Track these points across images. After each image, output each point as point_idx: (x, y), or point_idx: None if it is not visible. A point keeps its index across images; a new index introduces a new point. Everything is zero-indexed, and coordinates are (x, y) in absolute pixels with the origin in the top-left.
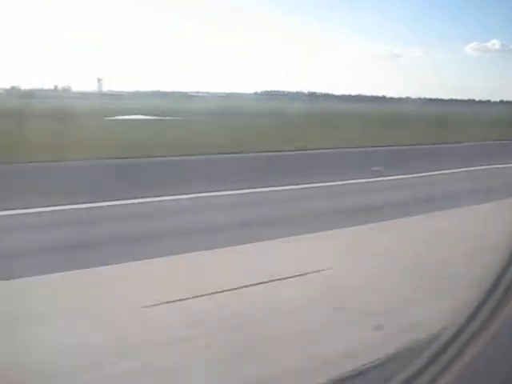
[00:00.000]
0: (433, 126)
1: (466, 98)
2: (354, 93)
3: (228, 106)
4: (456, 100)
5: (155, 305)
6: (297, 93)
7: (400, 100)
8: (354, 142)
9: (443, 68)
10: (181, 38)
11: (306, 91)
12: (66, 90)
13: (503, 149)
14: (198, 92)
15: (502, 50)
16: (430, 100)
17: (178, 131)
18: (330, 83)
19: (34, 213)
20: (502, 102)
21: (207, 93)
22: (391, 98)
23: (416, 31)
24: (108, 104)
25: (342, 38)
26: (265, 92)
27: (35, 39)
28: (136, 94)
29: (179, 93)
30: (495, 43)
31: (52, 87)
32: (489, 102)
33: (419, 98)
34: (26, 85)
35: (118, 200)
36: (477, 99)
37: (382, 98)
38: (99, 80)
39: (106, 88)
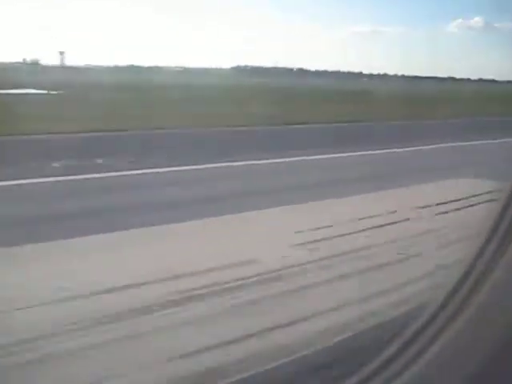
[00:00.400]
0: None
1: (445, 75)
2: (331, 69)
3: (160, 80)
4: (436, 78)
5: None
6: (273, 68)
7: (377, 76)
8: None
9: (424, 45)
10: (159, 13)
11: (280, 66)
12: (35, 64)
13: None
14: (176, 67)
15: (485, 28)
16: (409, 77)
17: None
18: (308, 59)
19: None
20: (480, 80)
21: (183, 67)
22: (370, 75)
23: (399, 8)
24: (28, 77)
25: (322, 15)
26: (239, 67)
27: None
28: (108, 69)
29: (156, 67)
30: (479, 21)
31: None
32: (468, 79)
33: (396, 75)
34: None
35: None
36: (457, 77)
37: (359, 74)
38: (61, 53)
39: (74, 62)
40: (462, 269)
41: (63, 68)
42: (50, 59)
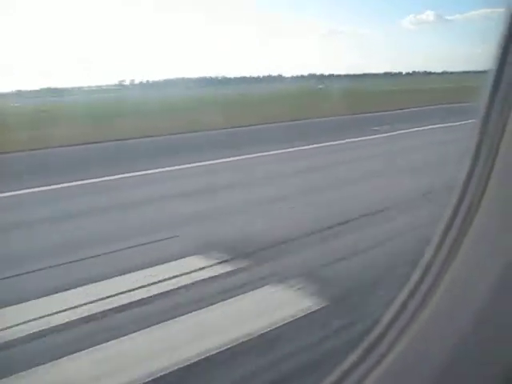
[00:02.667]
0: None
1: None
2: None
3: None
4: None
5: None
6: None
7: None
8: None
9: (380, 42)
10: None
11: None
12: None
13: None
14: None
15: (436, 21)
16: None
17: None
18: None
19: None
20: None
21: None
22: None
23: (354, 9)
24: None
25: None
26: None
27: None
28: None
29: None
30: (429, 14)
31: None
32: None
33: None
34: None
35: None
36: (411, 71)
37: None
38: None
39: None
40: (422, 264)
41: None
42: None
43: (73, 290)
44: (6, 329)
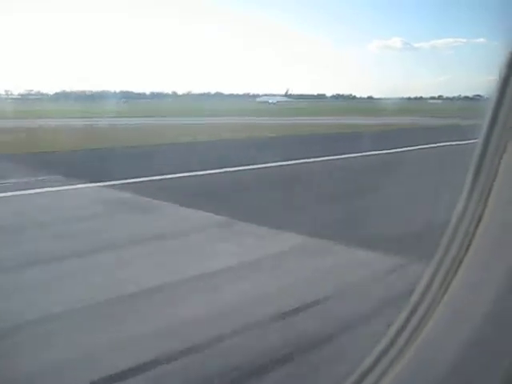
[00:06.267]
0: None
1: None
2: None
3: None
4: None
5: None
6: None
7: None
8: None
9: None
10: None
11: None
12: None
13: None
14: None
15: (403, 48)
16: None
17: None
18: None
19: None
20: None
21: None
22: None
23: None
24: None
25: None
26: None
27: None
28: None
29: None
30: (396, 41)
31: None
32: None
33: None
34: None
35: None
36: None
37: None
38: None
39: None
40: (423, 282)
41: None
42: None
43: None
44: None
